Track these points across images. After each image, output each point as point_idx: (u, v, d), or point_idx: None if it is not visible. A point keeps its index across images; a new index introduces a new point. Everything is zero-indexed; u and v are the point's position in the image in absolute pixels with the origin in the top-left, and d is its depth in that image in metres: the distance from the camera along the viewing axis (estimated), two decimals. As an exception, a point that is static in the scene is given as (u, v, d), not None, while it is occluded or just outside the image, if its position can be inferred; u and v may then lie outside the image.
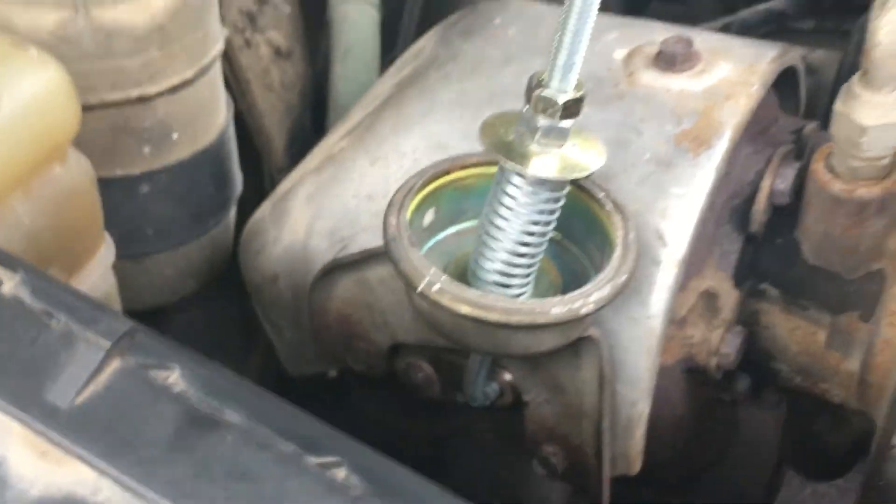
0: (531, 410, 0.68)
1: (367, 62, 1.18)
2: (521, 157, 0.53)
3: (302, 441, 0.29)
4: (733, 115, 0.64)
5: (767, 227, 0.71)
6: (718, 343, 0.69)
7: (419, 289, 0.54)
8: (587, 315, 0.54)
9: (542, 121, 0.52)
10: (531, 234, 0.56)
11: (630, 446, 0.66)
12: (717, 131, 0.64)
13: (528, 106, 0.52)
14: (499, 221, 0.56)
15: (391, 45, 1.29)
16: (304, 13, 1.30)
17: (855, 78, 0.60)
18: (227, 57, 1.16)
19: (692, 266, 0.67)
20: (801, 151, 0.70)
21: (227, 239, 1.00)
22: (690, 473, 0.85)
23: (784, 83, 0.76)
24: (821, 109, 0.96)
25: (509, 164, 0.53)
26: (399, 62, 0.86)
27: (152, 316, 1.02)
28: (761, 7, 1.02)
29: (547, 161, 0.53)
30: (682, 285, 0.67)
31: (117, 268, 0.89)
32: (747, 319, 0.74)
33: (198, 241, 0.96)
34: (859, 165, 0.62)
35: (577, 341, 0.61)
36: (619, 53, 0.71)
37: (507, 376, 0.68)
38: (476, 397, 0.67)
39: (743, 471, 0.88)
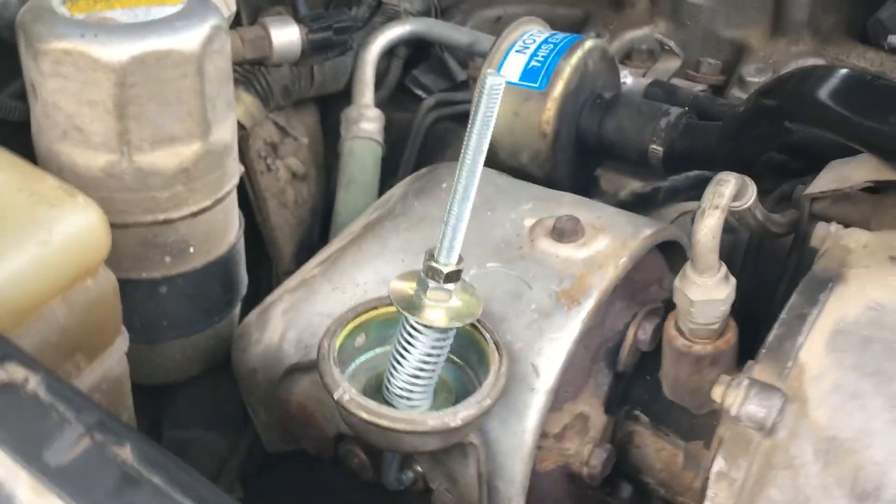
0: (436, 497, 0.86)
1: (366, 191, 1.40)
2: (417, 308, 0.73)
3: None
4: (601, 281, 0.83)
5: (638, 364, 0.89)
6: (588, 456, 0.87)
7: (335, 397, 0.74)
8: (456, 428, 0.73)
9: (432, 283, 0.72)
10: (426, 362, 0.75)
11: (510, 535, 0.84)
12: (587, 292, 0.83)
13: (421, 272, 0.72)
14: (402, 353, 0.75)
15: (394, 172, 1.51)
16: (326, 142, 1.54)
17: (687, 263, 0.79)
18: (250, 179, 1.39)
19: (568, 393, 0.86)
20: (668, 311, 0.88)
21: (230, 331, 1.20)
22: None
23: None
24: (735, 264, 1.14)
25: (409, 315, 0.73)
26: (374, 205, 1.07)
27: (164, 390, 1.23)
28: (692, 174, 1.21)
29: (435, 313, 0.72)
30: (558, 407, 0.85)
31: (137, 351, 1.10)
32: (624, 439, 0.92)
33: (205, 332, 1.17)
34: (695, 328, 0.81)
35: (464, 445, 0.79)
36: (529, 222, 0.91)
37: (418, 468, 0.86)
38: (391, 482, 0.85)
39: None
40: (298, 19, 1.24)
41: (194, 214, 1.06)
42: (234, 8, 1.22)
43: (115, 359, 0.91)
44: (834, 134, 0.83)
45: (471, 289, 0.75)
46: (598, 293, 0.83)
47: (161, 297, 1.10)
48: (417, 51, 1.63)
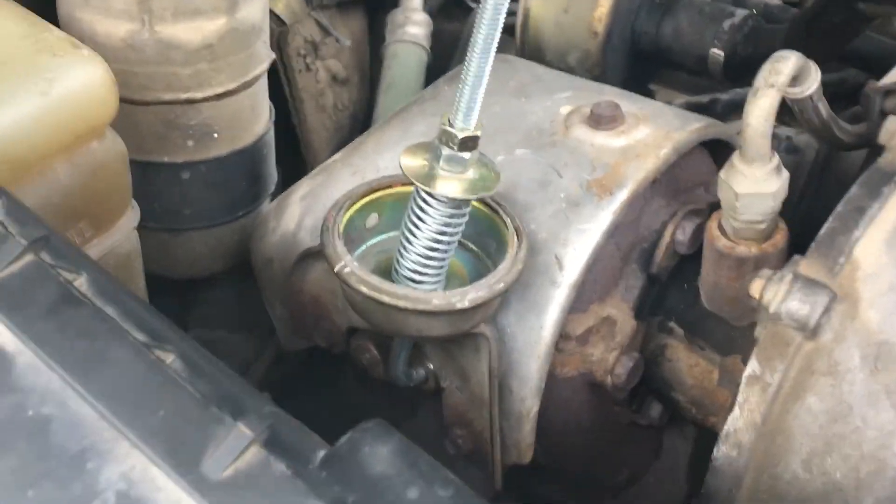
0: (447, 395, 0.81)
1: (408, 96, 1.33)
2: (429, 179, 0.66)
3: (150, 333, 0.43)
4: (638, 171, 0.75)
5: (674, 271, 0.82)
6: (613, 364, 0.80)
7: (335, 269, 0.68)
8: (464, 310, 0.67)
9: (446, 151, 0.65)
10: (438, 241, 0.69)
11: (520, 438, 0.78)
12: (621, 183, 0.75)
13: (436, 139, 0.66)
14: (412, 229, 0.69)
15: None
16: (372, 48, 1.48)
17: (735, 153, 0.71)
18: (287, 77, 1.34)
19: (594, 293, 0.79)
20: (710, 211, 0.80)
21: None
22: (611, 483, 0.95)
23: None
24: (797, 188, 1.05)
25: (419, 184, 0.67)
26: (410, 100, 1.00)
27: (186, 287, 1.20)
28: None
29: (450, 184, 0.66)
30: (583, 308, 0.78)
31: (157, 238, 1.06)
32: (655, 350, 0.85)
33: (229, 225, 1.12)
34: (739, 227, 0.73)
35: (476, 337, 0.74)
36: (565, 109, 0.83)
37: (430, 365, 0.81)
38: (399, 377, 0.80)
39: (659, 493, 0.97)
40: None
41: (219, 97, 1.01)
42: None
43: (123, 234, 0.87)
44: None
45: (490, 163, 0.68)
46: (633, 184, 0.75)
47: (183, 184, 1.05)
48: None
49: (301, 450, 0.38)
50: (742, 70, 1.07)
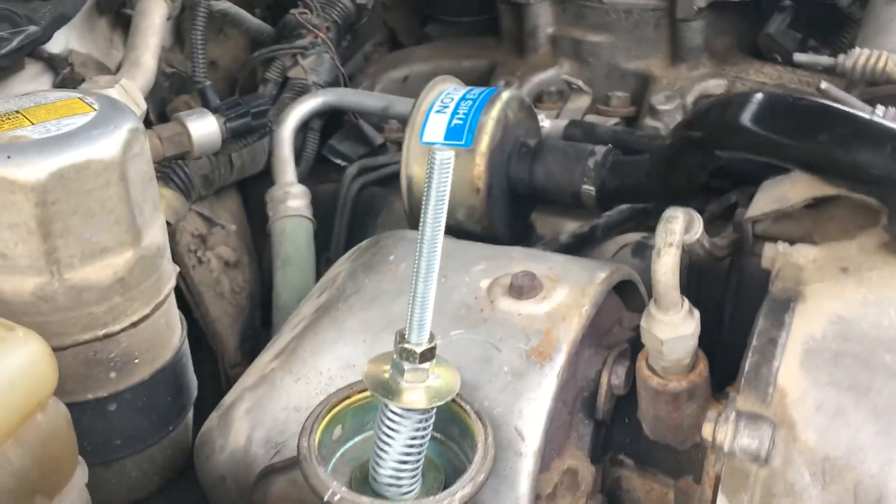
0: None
1: (304, 268, 1.38)
2: (395, 393, 0.71)
3: None
4: (568, 333, 0.83)
5: (616, 410, 0.89)
6: (583, 511, 0.85)
7: (325, 499, 0.71)
8: (455, 509, 0.71)
9: (408, 365, 0.70)
10: (411, 447, 0.73)
11: None
12: (556, 346, 0.82)
13: (394, 355, 0.70)
14: (386, 440, 0.73)
15: (327, 245, 1.49)
16: (252, 225, 1.51)
17: (651, 303, 0.79)
18: (182, 275, 1.35)
19: (553, 451, 0.84)
20: (635, 350, 0.88)
21: (186, 439, 1.15)
22: None
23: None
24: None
25: (388, 400, 0.71)
26: (318, 286, 1.04)
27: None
28: (624, 207, 1.23)
29: (414, 394, 0.71)
30: (546, 467, 0.84)
31: (91, 474, 1.04)
32: (612, 485, 0.91)
33: (160, 443, 1.11)
34: (667, 366, 0.81)
35: (461, 525, 0.77)
36: (484, 283, 0.90)
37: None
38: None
39: None
40: (213, 109, 1.22)
41: (135, 324, 1.01)
42: (144, 106, 1.20)
43: (76, 492, 0.86)
44: (765, 157, 0.85)
45: (444, 362, 0.73)
46: (567, 345, 0.82)
47: (110, 416, 1.04)
48: (331, 120, 1.62)
49: None
50: (612, 198, 1.19)
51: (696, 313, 0.80)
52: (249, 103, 1.24)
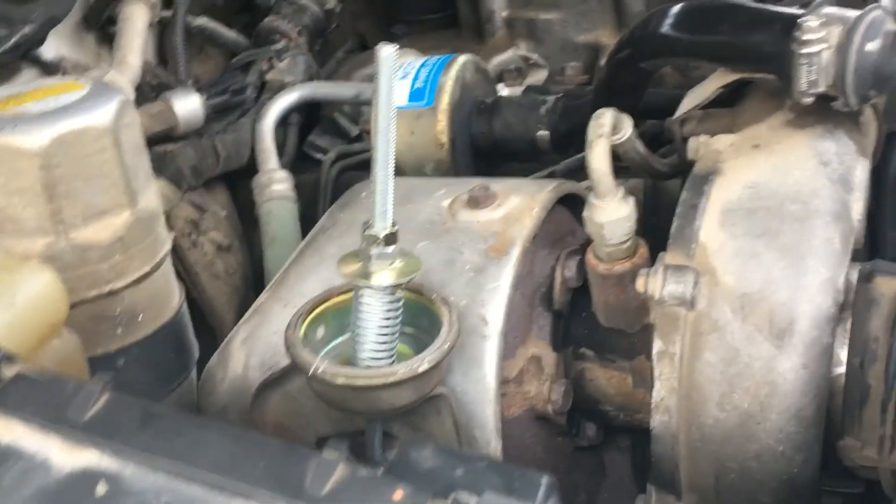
0: (422, 466, 0.92)
1: (291, 244, 1.47)
2: (365, 276, 0.80)
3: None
4: (522, 231, 0.93)
5: (572, 303, 0.99)
6: (549, 393, 0.95)
7: (310, 373, 0.80)
8: (424, 372, 0.80)
9: (374, 249, 0.80)
10: (385, 325, 0.82)
11: (495, 478, 0.90)
12: (511, 243, 0.92)
13: (362, 243, 0.80)
14: (362, 322, 0.82)
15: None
16: (241, 215, 1.62)
17: (590, 194, 0.90)
18: (178, 256, 1.45)
19: (516, 338, 0.94)
20: (584, 249, 0.98)
21: (191, 397, 1.24)
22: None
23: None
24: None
25: (359, 282, 0.80)
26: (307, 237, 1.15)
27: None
28: (581, 155, 1.33)
29: (382, 275, 0.80)
30: (511, 353, 0.93)
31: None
32: (576, 376, 1.00)
33: (166, 400, 1.20)
34: (611, 250, 0.91)
35: (436, 400, 0.86)
36: (445, 202, 1.00)
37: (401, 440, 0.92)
38: (378, 462, 0.91)
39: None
40: (197, 88, 1.33)
41: (136, 282, 1.11)
42: (132, 97, 1.31)
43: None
44: (682, 57, 0.96)
45: (408, 251, 0.83)
46: (521, 241, 0.92)
47: (119, 371, 1.13)
48: (309, 117, 1.74)
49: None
50: (566, 142, 1.29)
51: (632, 199, 0.90)
52: (227, 81, 1.35)
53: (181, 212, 1.47)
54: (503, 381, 0.91)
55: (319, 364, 0.80)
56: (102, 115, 1.04)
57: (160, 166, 1.42)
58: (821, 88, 0.84)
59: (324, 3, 1.86)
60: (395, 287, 0.81)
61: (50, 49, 1.35)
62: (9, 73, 1.29)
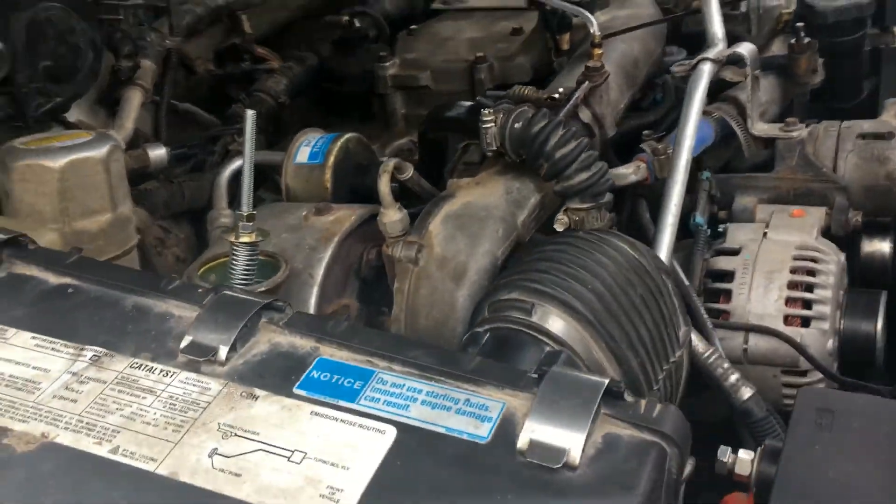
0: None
1: (228, 258, 2.09)
2: (236, 236, 1.41)
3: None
4: (342, 228, 1.53)
5: (375, 278, 1.59)
6: (353, 328, 1.54)
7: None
8: (262, 292, 1.39)
9: (241, 223, 1.41)
10: (247, 271, 1.42)
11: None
12: (334, 233, 1.53)
13: (236, 220, 1.42)
14: (232, 269, 1.42)
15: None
16: (199, 239, 2.24)
17: (381, 208, 1.51)
18: (148, 261, 2.06)
19: (334, 294, 1.53)
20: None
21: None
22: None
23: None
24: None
25: (231, 241, 1.41)
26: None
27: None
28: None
29: (245, 236, 1.41)
30: (328, 300, 1.52)
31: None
32: (375, 322, 1.59)
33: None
34: (390, 240, 1.51)
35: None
36: (304, 213, 1.62)
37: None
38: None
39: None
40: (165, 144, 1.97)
41: (111, 259, 1.72)
42: (122, 145, 1.95)
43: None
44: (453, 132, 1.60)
45: (263, 229, 1.44)
46: (340, 234, 1.53)
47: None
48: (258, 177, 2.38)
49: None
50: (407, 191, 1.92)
51: (404, 210, 1.51)
52: (189, 141, 1.99)
53: (152, 231, 2.08)
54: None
55: (191, 275, 1.40)
56: (100, 150, 1.67)
57: (140, 199, 2.05)
58: (494, 147, 1.46)
59: (277, 98, 2.53)
60: (251, 244, 1.42)
61: (72, 115, 2.00)
62: (42, 129, 1.94)
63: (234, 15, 2.61)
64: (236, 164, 2.25)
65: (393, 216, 1.49)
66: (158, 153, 1.93)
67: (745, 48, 1.76)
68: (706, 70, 1.73)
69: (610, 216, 1.45)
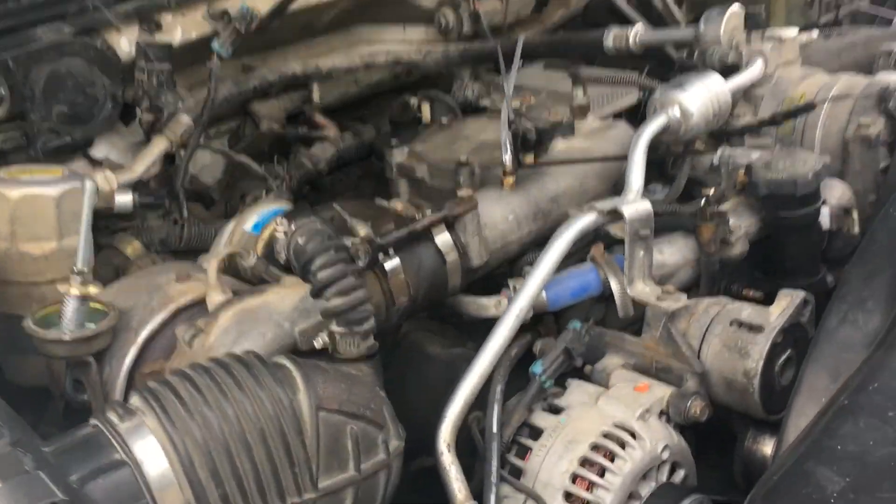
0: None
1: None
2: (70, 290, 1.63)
3: None
4: (183, 297, 1.70)
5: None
6: (168, 390, 1.69)
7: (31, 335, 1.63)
8: (83, 337, 1.59)
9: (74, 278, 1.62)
10: (77, 316, 1.63)
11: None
12: (168, 304, 1.69)
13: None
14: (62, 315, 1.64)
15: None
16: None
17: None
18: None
19: (160, 355, 1.70)
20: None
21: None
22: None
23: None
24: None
25: (61, 289, 1.63)
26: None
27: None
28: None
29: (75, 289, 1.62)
30: (147, 359, 1.69)
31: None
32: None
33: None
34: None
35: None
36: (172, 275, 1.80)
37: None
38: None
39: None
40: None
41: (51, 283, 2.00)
42: (114, 186, 2.25)
43: None
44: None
45: (97, 284, 1.64)
46: (179, 302, 1.69)
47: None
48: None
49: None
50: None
51: (230, 294, 1.64)
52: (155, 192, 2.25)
53: (144, 262, 2.37)
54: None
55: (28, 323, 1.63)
56: (53, 189, 1.96)
57: (138, 233, 2.34)
58: (283, 256, 1.54)
59: (317, 164, 2.74)
60: (80, 297, 1.62)
61: (101, 151, 2.34)
62: (67, 160, 2.28)
63: (307, 84, 2.87)
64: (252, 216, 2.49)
65: (214, 298, 1.63)
66: (124, 199, 2.20)
67: (632, 208, 1.68)
68: (584, 219, 1.68)
69: (370, 345, 1.48)
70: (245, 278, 1.84)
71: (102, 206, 2.21)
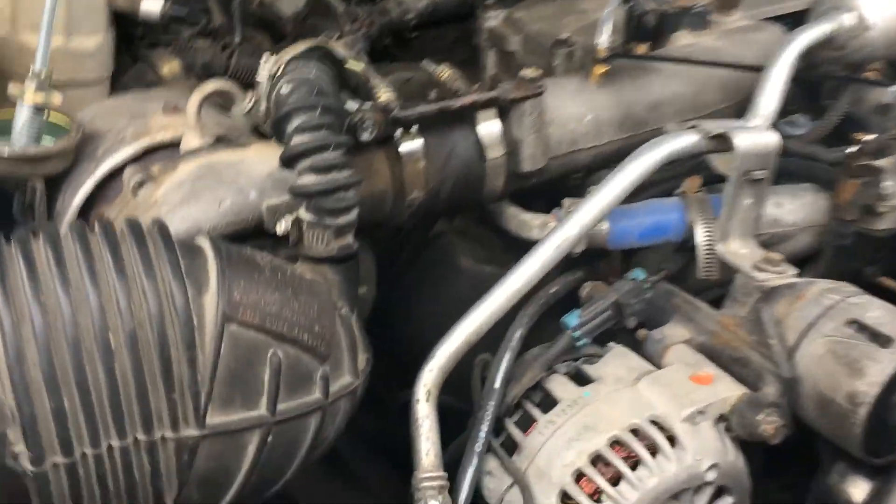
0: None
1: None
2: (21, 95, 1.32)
3: None
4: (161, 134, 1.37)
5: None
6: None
7: None
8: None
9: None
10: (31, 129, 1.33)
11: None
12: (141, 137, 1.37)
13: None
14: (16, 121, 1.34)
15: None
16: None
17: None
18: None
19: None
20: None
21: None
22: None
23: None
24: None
25: (14, 93, 1.32)
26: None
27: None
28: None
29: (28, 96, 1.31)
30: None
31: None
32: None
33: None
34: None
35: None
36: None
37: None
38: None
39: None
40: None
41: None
42: None
43: None
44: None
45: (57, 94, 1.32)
46: (151, 139, 1.37)
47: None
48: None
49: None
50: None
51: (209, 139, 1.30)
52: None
53: (178, 85, 2.05)
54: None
55: None
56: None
57: (182, 51, 1.99)
58: (263, 106, 1.16)
59: (405, 13, 2.33)
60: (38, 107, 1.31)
61: None
62: None
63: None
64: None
65: (190, 142, 1.29)
66: (151, 5, 1.85)
67: (749, 137, 1.22)
68: (680, 139, 1.24)
69: (344, 244, 1.11)
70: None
71: (126, 7, 1.89)
